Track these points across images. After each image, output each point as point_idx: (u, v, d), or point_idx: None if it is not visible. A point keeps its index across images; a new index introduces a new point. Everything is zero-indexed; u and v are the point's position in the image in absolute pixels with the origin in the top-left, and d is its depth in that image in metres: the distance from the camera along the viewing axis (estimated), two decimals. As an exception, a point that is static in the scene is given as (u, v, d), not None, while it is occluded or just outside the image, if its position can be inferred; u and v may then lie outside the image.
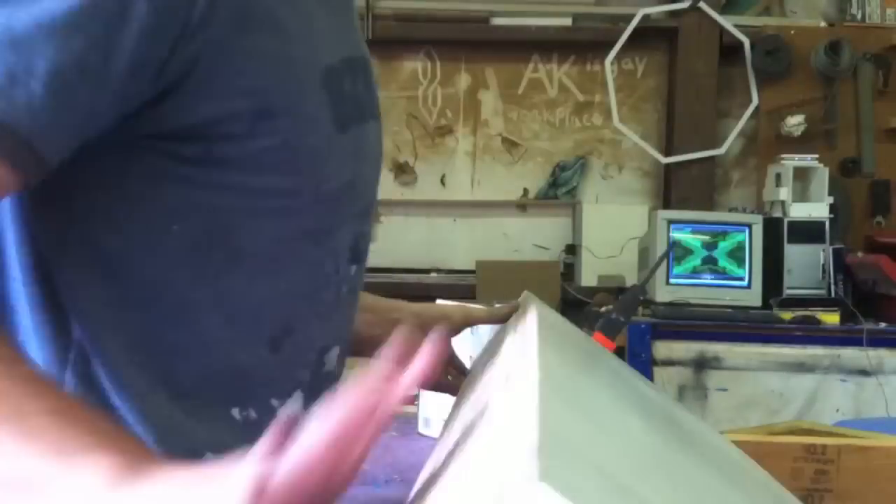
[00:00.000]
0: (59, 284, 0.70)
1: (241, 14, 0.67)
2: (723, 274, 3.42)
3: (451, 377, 1.05)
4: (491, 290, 3.44)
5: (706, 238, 3.46)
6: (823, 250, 3.35)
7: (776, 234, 3.41)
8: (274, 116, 0.70)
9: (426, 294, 3.39)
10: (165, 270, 0.72)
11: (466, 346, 1.17)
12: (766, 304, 3.36)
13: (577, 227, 3.99)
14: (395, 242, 4.07)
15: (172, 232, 0.71)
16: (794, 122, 3.79)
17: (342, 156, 0.77)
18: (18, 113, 0.60)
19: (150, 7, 0.62)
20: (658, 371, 3.00)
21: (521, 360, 0.64)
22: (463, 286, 3.69)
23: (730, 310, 3.28)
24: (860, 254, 3.42)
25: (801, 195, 3.54)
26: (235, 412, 0.75)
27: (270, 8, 0.70)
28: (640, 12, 3.91)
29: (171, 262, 0.72)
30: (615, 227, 3.84)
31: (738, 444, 0.93)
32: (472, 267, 3.90)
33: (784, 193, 3.47)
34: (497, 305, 0.99)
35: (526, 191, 4.11)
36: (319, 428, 0.48)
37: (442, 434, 0.85)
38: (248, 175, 0.71)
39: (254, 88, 0.69)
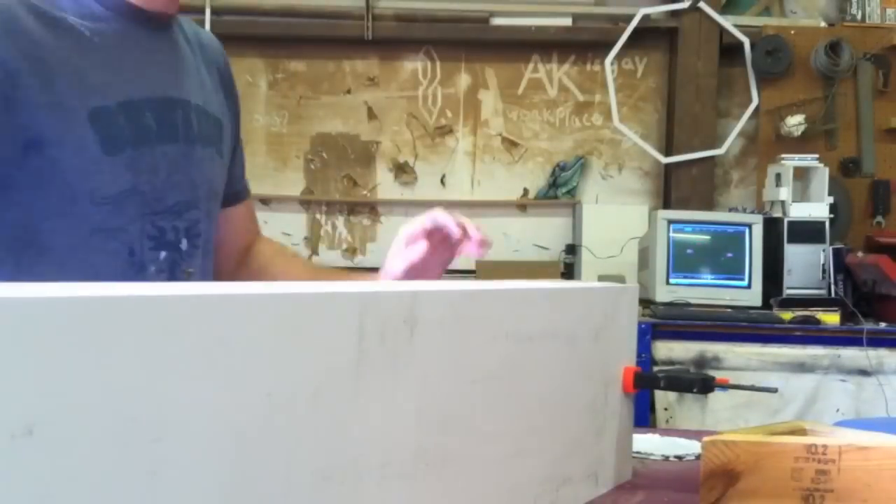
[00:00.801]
0: None
1: (15, 76, 0.94)
2: (723, 274, 3.42)
3: None
4: (491, 290, 3.43)
5: (706, 238, 3.46)
6: (823, 250, 3.35)
7: (776, 234, 3.42)
8: (43, 144, 0.96)
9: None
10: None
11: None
12: (766, 304, 3.36)
13: (577, 227, 3.99)
14: (395, 242, 4.06)
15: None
16: (794, 122, 3.79)
17: (113, 171, 1.01)
18: None
19: None
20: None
21: None
22: (463, 286, 3.69)
23: (730, 310, 3.28)
24: (860, 254, 3.42)
25: (801, 195, 3.55)
26: None
27: (43, 71, 0.95)
28: (640, 12, 3.92)
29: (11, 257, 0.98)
30: (615, 227, 3.84)
31: (738, 444, 0.93)
32: (472, 267, 3.90)
33: (784, 193, 3.47)
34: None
35: (526, 191, 4.11)
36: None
37: None
38: (36, 190, 0.97)
39: (28, 126, 0.94)
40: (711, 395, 2.98)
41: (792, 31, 3.89)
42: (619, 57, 4.02)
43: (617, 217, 3.92)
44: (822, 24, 3.99)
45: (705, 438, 0.95)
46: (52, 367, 0.44)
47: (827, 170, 3.50)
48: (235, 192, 1.31)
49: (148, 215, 1.06)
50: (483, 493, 0.82)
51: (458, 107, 4.09)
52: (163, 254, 1.08)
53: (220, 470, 0.54)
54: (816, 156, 3.57)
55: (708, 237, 3.46)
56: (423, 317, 0.72)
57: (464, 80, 4.08)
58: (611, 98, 4.01)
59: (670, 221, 3.43)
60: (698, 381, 1.06)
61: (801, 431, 1.00)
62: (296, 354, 0.60)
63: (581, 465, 0.99)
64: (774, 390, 1.12)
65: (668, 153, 4.00)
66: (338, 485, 0.63)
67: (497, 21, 3.99)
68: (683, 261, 3.42)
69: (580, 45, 4.05)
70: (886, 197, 3.87)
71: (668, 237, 3.40)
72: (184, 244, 1.11)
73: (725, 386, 1.07)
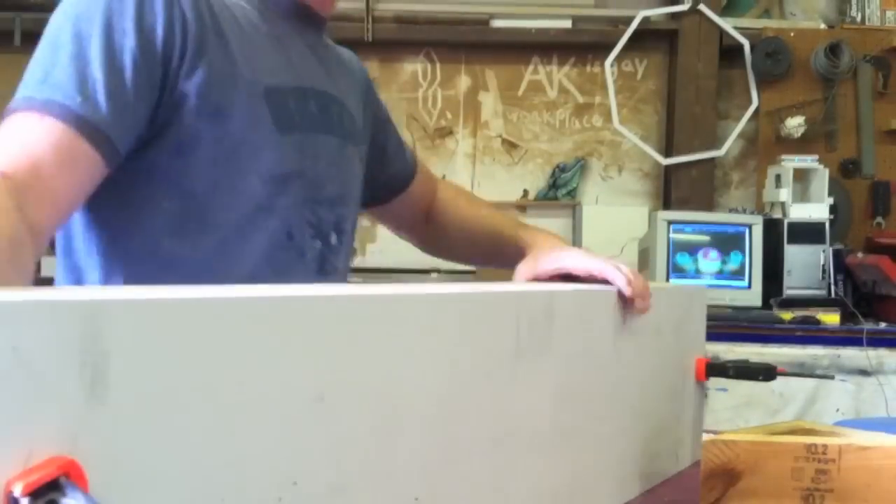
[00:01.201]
0: (79, 248, 0.99)
1: (201, 45, 0.95)
2: (723, 274, 3.42)
3: None
4: (491, 291, 3.43)
5: (706, 239, 3.46)
6: (823, 251, 3.35)
7: (776, 234, 3.42)
8: (223, 115, 0.96)
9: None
10: (157, 236, 0.97)
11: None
12: (766, 305, 3.36)
13: (577, 229, 3.99)
14: (396, 243, 4.05)
15: (162, 208, 0.96)
16: (794, 124, 3.80)
17: (284, 151, 1.02)
18: (98, 117, 0.87)
19: (137, 49, 0.90)
20: (658, 372, 3.00)
21: None
22: (463, 288, 3.69)
23: (730, 310, 3.28)
24: (860, 254, 3.42)
25: (801, 196, 3.55)
26: None
27: (223, 43, 0.98)
28: (640, 14, 3.92)
29: (161, 230, 0.97)
30: (615, 229, 3.84)
31: (738, 444, 0.93)
32: (472, 267, 3.90)
33: (784, 194, 3.47)
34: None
35: (526, 192, 4.11)
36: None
37: None
38: (210, 163, 0.96)
39: (209, 95, 0.95)
40: (711, 395, 2.99)
41: (792, 33, 3.90)
42: (619, 59, 4.03)
43: (617, 218, 3.92)
44: (822, 25, 3.99)
45: (706, 438, 0.95)
46: (335, 352, 0.58)
47: (827, 171, 3.50)
48: (409, 174, 1.37)
49: (309, 202, 1.06)
50: (599, 464, 0.96)
51: (458, 108, 4.09)
52: (318, 243, 1.08)
53: (432, 433, 0.68)
54: (816, 157, 3.57)
55: (708, 238, 3.46)
56: (558, 311, 0.85)
57: (464, 81, 4.08)
58: (611, 100, 4.02)
59: (670, 222, 3.43)
60: (763, 370, 1.21)
61: (802, 431, 1.01)
62: (479, 340, 0.74)
63: (666, 444, 1.13)
64: (832, 377, 1.28)
65: (668, 154, 4.00)
66: (504, 450, 0.77)
67: (497, 23, 4.00)
68: (683, 261, 3.42)
69: (580, 46, 4.05)
70: (886, 198, 3.87)
71: (668, 238, 3.41)
72: (333, 238, 1.11)
73: (784, 373, 1.25)
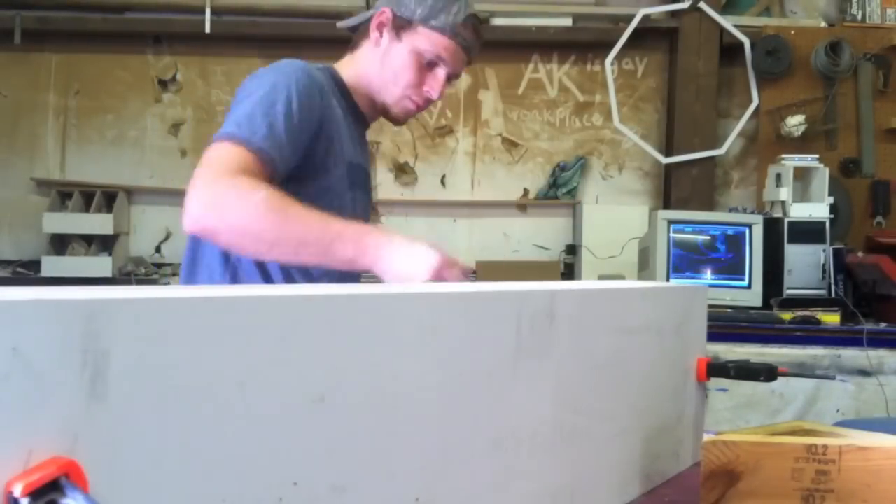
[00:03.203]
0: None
1: (322, 126, 1.51)
2: (723, 274, 3.42)
3: None
4: (491, 290, 3.43)
5: (706, 238, 3.46)
6: (824, 250, 3.35)
7: (776, 234, 3.42)
8: (328, 173, 1.53)
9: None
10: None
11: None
12: (766, 305, 3.36)
13: (577, 228, 3.99)
14: (396, 242, 4.07)
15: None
16: (795, 123, 3.80)
17: (349, 201, 1.58)
18: (266, 145, 1.38)
19: (299, 106, 1.44)
20: (658, 371, 3.00)
21: None
22: (463, 286, 3.69)
23: (730, 310, 3.28)
24: (860, 254, 3.42)
25: (802, 195, 3.55)
26: None
27: (332, 129, 1.53)
28: (641, 12, 3.92)
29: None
30: (615, 228, 3.84)
31: (739, 444, 0.93)
32: (472, 267, 3.90)
33: (784, 194, 3.47)
34: None
35: (526, 191, 4.11)
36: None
37: None
38: (316, 198, 1.42)
39: (325, 157, 1.52)
40: (712, 396, 2.99)
41: (792, 32, 3.90)
42: (619, 57, 4.02)
43: (617, 217, 3.92)
44: (823, 24, 3.99)
45: (706, 439, 0.95)
46: (335, 352, 0.59)
47: (827, 170, 3.50)
48: None
49: (350, 214, 1.56)
50: (600, 464, 0.96)
51: (459, 107, 4.09)
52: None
53: (432, 433, 0.69)
54: (816, 156, 3.57)
55: (708, 237, 3.46)
56: (559, 311, 0.86)
57: (464, 80, 4.08)
58: (611, 98, 4.02)
59: (670, 222, 3.43)
60: (764, 370, 1.21)
61: (802, 432, 1.01)
62: (479, 340, 0.74)
63: (667, 444, 1.13)
64: (832, 377, 1.26)
65: (668, 153, 4.00)
66: (504, 451, 0.77)
67: (497, 21, 3.99)
68: (683, 261, 3.42)
69: (580, 45, 4.05)
70: (886, 197, 3.87)
71: (669, 237, 3.41)
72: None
73: (786, 374, 1.24)
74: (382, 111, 1.65)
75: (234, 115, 1.40)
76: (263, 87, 1.43)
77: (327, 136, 1.50)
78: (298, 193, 1.38)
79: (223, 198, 1.29)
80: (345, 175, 1.55)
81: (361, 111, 1.66)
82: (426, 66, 1.59)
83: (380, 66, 1.61)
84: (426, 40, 1.57)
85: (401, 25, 1.59)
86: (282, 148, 1.39)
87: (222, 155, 1.35)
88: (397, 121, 1.67)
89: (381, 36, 1.61)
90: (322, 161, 1.50)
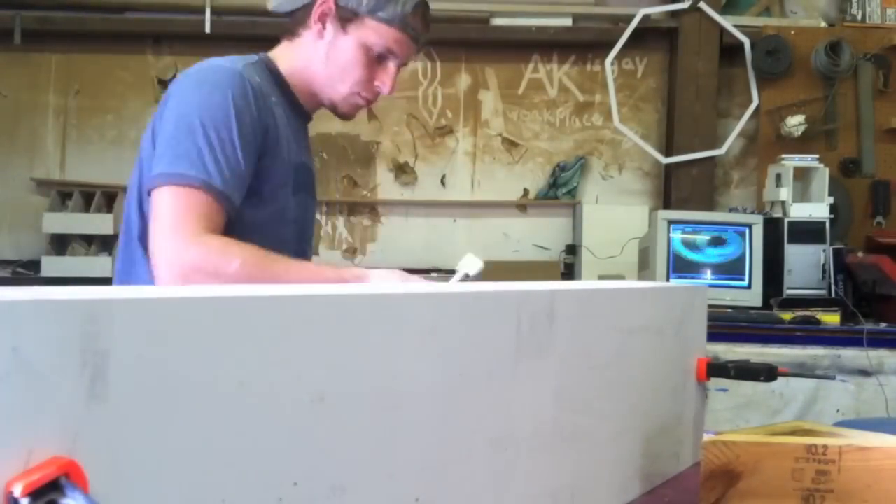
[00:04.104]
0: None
1: (265, 136, 1.44)
2: (723, 274, 3.42)
3: None
4: (491, 290, 3.43)
5: (706, 238, 3.46)
6: (824, 250, 3.35)
7: (776, 234, 3.42)
8: (274, 181, 1.46)
9: (426, 294, 3.39)
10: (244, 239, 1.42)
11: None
12: (766, 305, 3.36)
13: (577, 228, 3.99)
14: (396, 242, 4.07)
15: (245, 226, 1.43)
16: (795, 123, 3.79)
17: (293, 205, 1.51)
18: (223, 185, 1.34)
19: (241, 132, 1.38)
20: (658, 371, 3.00)
21: None
22: (463, 286, 3.69)
23: (730, 310, 3.28)
24: (860, 254, 3.42)
25: (802, 195, 3.55)
26: None
27: (276, 135, 1.46)
28: (641, 12, 3.92)
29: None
30: (615, 228, 3.84)
31: (738, 444, 0.93)
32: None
33: (784, 194, 3.47)
34: None
35: (526, 191, 4.11)
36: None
37: None
38: (264, 207, 1.45)
39: (270, 168, 1.44)
40: (712, 396, 2.99)
41: (792, 32, 3.89)
42: (619, 57, 4.02)
43: (617, 217, 3.92)
44: (823, 24, 3.99)
45: (706, 439, 0.95)
46: (335, 352, 0.59)
47: (827, 170, 3.50)
48: None
49: (300, 241, 1.56)
50: (600, 464, 0.96)
51: (459, 107, 4.09)
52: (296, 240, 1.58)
53: (432, 433, 0.69)
54: (816, 156, 3.57)
55: (708, 237, 3.46)
56: (559, 311, 0.86)
57: (464, 80, 4.08)
58: (611, 98, 4.02)
59: (670, 222, 3.43)
60: (764, 370, 1.21)
61: (802, 432, 1.01)
62: (480, 339, 0.74)
63: (667, 444, 1.13)
64: (832, 378, 1.26)
65: (668, 153, 4.00)
66: (503, 451, 0.78)
67: (497, 21, 3.99)
68: (683, 261, 3.42)
69: (580, 45, 4.05)
70: (886, 197, 3.87)
71: (669, 237, 3.40)
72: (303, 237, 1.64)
73: (786, 374, 1.24)
74: (329, 107, 1.55)
75: (178, 148, 1.33)
76: (200, 109, 1.35)
77: (273, 143, 1.43)
78: (244, 207, 1.37)
79: (195, 276, 1.26)
80: (290, 180, 1.47)
81: (301, 104, 1.55)
82: (375, 59, 1.49)
83: (325, 60, 1.50)
84: (374, 33, 1.47)
85: (346, 17, 1.48)
86: (238, 180, 1.35)
87: (181, 205, 1.30)
88: (345, 117, 1.57)
89: (324, 28, 1.50)
90: (267, 172, 1.43)
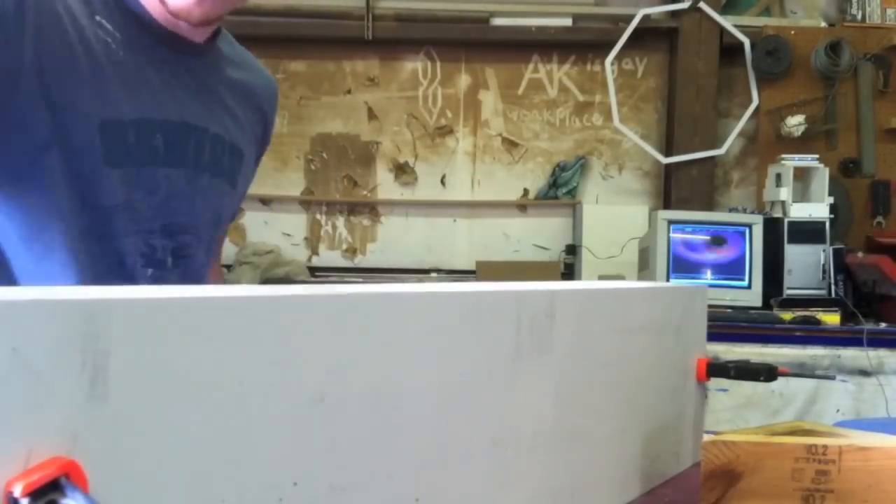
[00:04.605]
0: None
1: (40, 68, 0.95)
2: (723, 274, 3.42)
3: None
4: (491, 290, 3.44)
5: (706, 238, 3.46)
6: (824, 250, 3.35)
7: (776, 234, 3.42)
8: (54, 147, 0.98)
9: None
10: (9, 253, 1.02)
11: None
12: (766, 305, 3.36)
13: (577, 228, 3.99)
14: (396, 243, 4.07)
15: (8, 228, 1.01)
16: (795, 123, 3.80)
17: (110, 183, 1.03)
18: None
19: None
20: (658, 371, 3.01)
21: None
22: (463, 286, 3.69)
23: (730, 310, 3.28)
24: (860, 254, 3.42)
25: (802, 195, 3.55)
26: None
27: (69, 73, 0.97)
28: (641, 12, 3.92)
29: (11, 248, 1.02)
30: (615, 228, 3.84)
31: (738, 444, 0.93)
32: (472, 267, 3.90)
33: (784, 194, 3.47)
34: None
35: (526, 191, 4.11)
36: None
37: None
38: (44, 190, 1.00)
39: (44, 125, 0.97)
40: (712, 396, 2.99)
41: (792, 32, 3.89)
42: (619, 57, 4.02)
43: (617, 217, 3.92)
44: (823, 24, 3.99)
45: (705, 439, 0.95)
46: (335, 352, 0.58)
47: (827, 170, 3.50)
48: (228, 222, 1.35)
49: (141, 232, 1.08)
50: (600, 464, 0.96)
51: (459, 107, 4.09)
52: (150, 271, 1.11)
53: (432, 433, 0.68)
54: (816, 156, 3.57)
55: (708, 237, 3.46)
56: (559, 311, 0.85)
57: (464, 80, 4.08)
58: (611, 98, 4.02)
59: (670, 222, 3.43)
60: (764, 370, 1.20)
61: (802, 432, 1.00)
62: (479, 340, 0.74)
63: (667, 444, 1.13)
64: (832, 378, 1.25)
65: (668, 153, 4.00)
66: (504, 450, 0.77)
67: (497, 21, 3.99)
68: (683, 261, 3.42)
69: (580, 45, 4.05)
70: (886, 197, 3.87)
71: (669, 237, 3.41)
72: (169, 263, 1.12)
73: (786, 374, 1.23)
74: (167, 9, 1.05)
75: None
76: None
77: (46, 79, 0.95)
78: (4, 169, 0.98)
79: None
80: (94, 146, 1.00)
81: (166, 28, 1.08)
82: None
83: None
84: None
85: None
86: None
87: None
88: (184, 12, 1.05)
89: None
90: (39, 124, 0.97)
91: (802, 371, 2.96)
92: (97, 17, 1.01)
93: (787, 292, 3.35)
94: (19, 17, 0.93)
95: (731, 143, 3.99)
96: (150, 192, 1.07)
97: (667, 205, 3.98)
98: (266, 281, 3.77)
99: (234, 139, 1.19)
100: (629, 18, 3.93)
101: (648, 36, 4.01)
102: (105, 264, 1.05)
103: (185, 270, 1.14)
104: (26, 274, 1.03)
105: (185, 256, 1.14)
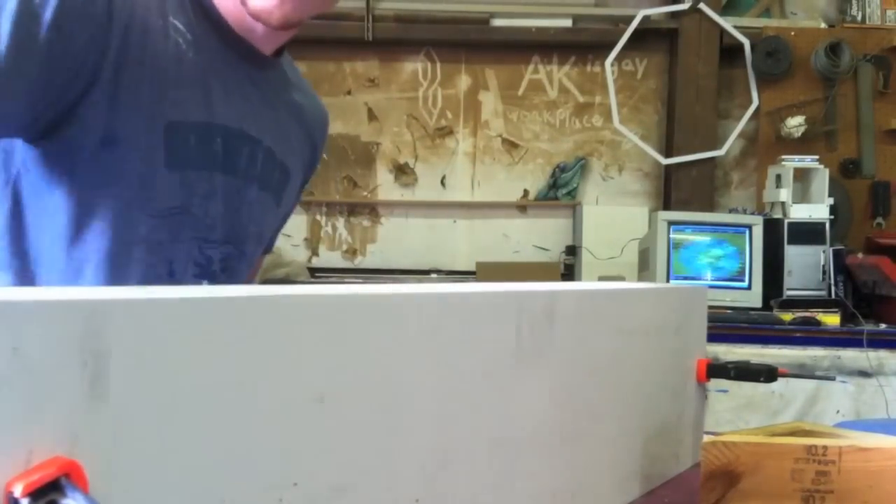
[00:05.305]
0: None
1: (118, 66, 0.93)
2: (723, 275, 3.42)
3: None
4: (491, 291, 3.43)
5: (706, 239, 3.46)
6: (823, 251, 3.35)
7: (776, 235, 3.42)
8: (116, 143, 0.95)
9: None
10: (42, 258, 0.98)
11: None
12: (766, 306, 3.36)
13: (577, 229, 3.99)
14: (396, 244, 4.07)
15: (48, 227, 0.97)
16: (795, 124, 3.80)
17: (169, 187, 1.00)
18: None
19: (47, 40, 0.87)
20: (658, 372, 3.01)
21: None
22: (463, 287, 3.69)
23: (730, 311, 3.28)
24: (860, 255, 3.42)
25: (802, 196, 3.55)
26: None
27: (139, 72, 0.95)
28: (641, 13, 3.92)
29: (45, 252, 0.98)
30: (615, 229, 3.84)
31: (738, 445, 0.93)
32: (472, 268, 3.90)
33: (784, 195, 3.47)
34: None
35: (526, 192, 4.11)
36: None
37: None
38: (97, 188, 0.95)
39: (107, 120, 0.94)
40: (712, 397, 2.99)
41: (792, 33, 3.90)
42: (619, 58, 4.02)
43: (617, 218, 3.92)
44: (823, 25, 3.99)
45: (705, 439, 0.95)
46: (335, 352, 0.58)
47: (827, 171, 3.50)
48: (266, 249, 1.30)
49: (197, 240, 1.05)
50: (599, 465, 0.96)
51: (459, 108, 4.09)
52: (205, 282, 1.06)
53: (432, 433, 0.68)
54: (816, 157, 3.57)
55: (708, 238, 3.46)
56: (559, 312, 0.85)
57: (464, 81, 4.08)
58: (611, 99, 4.02)
59: (670, 223, 3.43)
60: (764, 371, 1.20)
61: (802, 432, 1.00)
62: (479, 340, 0.74)
63: (667, 445, 1.13)
64: (832, 378, 1.24)
65: (668, 154, 4.00)
66: (504, 451, 0.77)
67: (497, 22, 4.00)
68: (683, 262, 3.42)
69: (580, 46, 4.05)
70: (886, 198, 3.87)
71: (669, 238, 3.41)
72: (219, 273, 1.09)
73: (786, 375, 1.23)
74: (246, 9, 1.03)
75: None
76: None
77: (123, 76, 0.94)
78: (60, 164, 0.94)
79: None
80: (157, 147, 0.98)
81: (237, 34, 1.07)
82: None
83: None
84: None
85: None
86: None
87: None
88: (265, 14, 1.02)
89: None
90: (106, 120, 0.94)
91: (802, 372, 2.96)
92: (170, 17, 1.00)
93: (787, 293, 3.36)
94: (108, 17, 0.92)
95: (731, 144, 3.99)
96: (207, 198, 1.05)
97: (667, 206, 3.98)
98: (266, 282, 3.77)
99: (283, 157, 1.17)
100: (629, 19, 3.93)
101: (648, 37, 4.01)
102: (153, 273, 1.01)
103: (229, 283, 1.08)
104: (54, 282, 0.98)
105: (230, 269, 1.10)
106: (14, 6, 0.85)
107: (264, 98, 1.13)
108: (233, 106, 1.07)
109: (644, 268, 3.57)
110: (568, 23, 4.00)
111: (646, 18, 3.93)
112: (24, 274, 0.98)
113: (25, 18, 0.85)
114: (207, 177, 1.04)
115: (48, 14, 0.87)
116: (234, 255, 1.11)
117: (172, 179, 1.00)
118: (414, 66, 4.07)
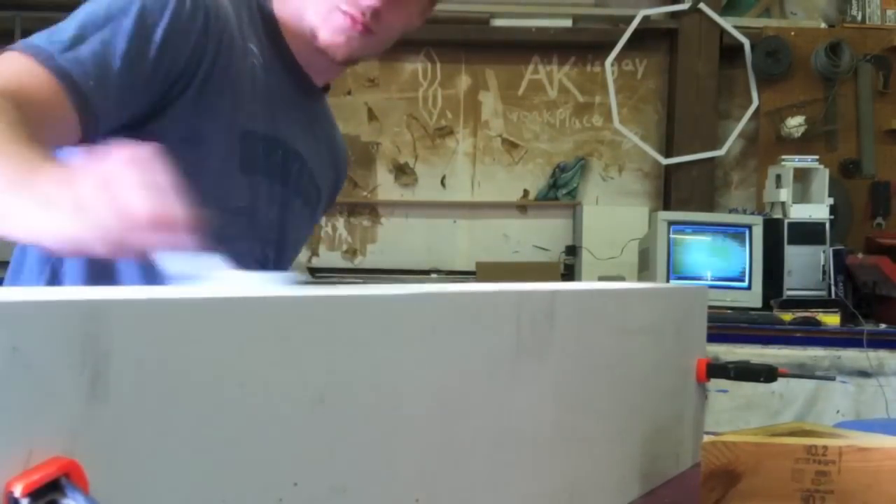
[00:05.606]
0: None
1: (208, 75, 1.03)
2: (723, 275, 3.42)
3: None
4: (491, 291, 3.43)
5: (706, 239, 3.46)
6: (824, 251, 3.35)
7: (776, 235, 3.42)
8: (198, 143, 1.04)
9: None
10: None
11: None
12: (766, 306, 3.36)
13: (577, 229, 3.99)
14: (396, 244, 4.07)
15: None
16: (795, 124, 3.80)
17: (240, 188, 1.10)
18: (59, 51, 0.91)
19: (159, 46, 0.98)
20: (658, 372, 3.01)
21: None
22: (463, 287, 3.69)
23: (730, 311, 3.28)
24: (860, 255, 3.42)
25: (802, 196, 3.55)
26: None
27: (226, 81, 1.05)
28: (641, 13, 3.92)
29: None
30: (615, 229, 3.84)
31: (738, 445, 0.93)
32: (472, 268, 3.90)
33: (784, 195, 3.47)
34: None
35: (526, 192, 4.11)
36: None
37: None
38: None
39: (186, 122, 1.03)
40: (712, 397, 2.99)
41: (792, 33, 3.90)
42: (619, 58, 4.02)
43: (617, 218, 3.92)
44: (823, 25, 3.99)
45: (705, 439, 0.95)
46: (335, 352, 0.59)
47: (827, 171, 3.50)
48: None
49: (259, 240, 1.16)
50: (600, 465, 0.96)
51: (459, 108, 4.09)
52: None
53: (432, 433, 0.68)
54: (816, 157, 3.57)
55: (708, 238, 3.46)
56: (559, 312, 0.85)
57: (464, 81, 4.08)
58: (611, 99, 4.02)
59: (670, 223, 3.43)
60: (764, 371, 1.21)
61: (802, 433, 1.01)
62: (479, 340, 0.74)
63: (666, 445, 1.13)
64: (832, 379, 1.25)
65: (668, 154, 4.00)
66: (504, 450, 0.78)
67: (497, 22, 4.00)
68: (683, 262, 3.42)
69: (580, 46, 4.05)
70: (886, 198, 3.87)
71: (669, 238, 3.41)
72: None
73: (786, 375, 1.24)
74: (314, 40, 1.12)
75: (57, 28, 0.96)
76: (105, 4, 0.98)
77: (210, 84, 1.04)
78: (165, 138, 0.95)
79: None
80: (234, 151, 1.08)
81: (298, 64, 1.17)
82: None
83: None
84: None
85: None
86: (106, 76, 0.94)
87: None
88: (333, 48, 1.11)
89: None
90: (190, 120, 1.03)
91: (802, 372, 2.96)
92: (247, 40, 1.10)
93: (787, 293, 3.35)
94: (205, 31, 1.02)
95: (731, 144, 3.99)
96: (269, 203, 1.15)
97: (667, 206, 3.98)
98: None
99: (319, 179, 1.27)
100: (629, 19, 3.93)
101: (648, 37, 4.01)
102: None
103: None
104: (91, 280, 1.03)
105: (281, 271, 1.15)
106: (130, 27, 0.95)
107: (309, 126, 1.24)
108: (289, 126, 1.18)
109: (644, 268, 3.57)
110: (568, 23, 4.00)
111: (646, 18, 3.93)
112: (99, 261, 1.03)
113: (139, 41, 0.96)
114: (269, 184, 1.15)
115: (159, 35, 0.98)
116: (283, 258, 1.21)
117: (243, 182, 1.11)
118: (414, 66, 4.07)
